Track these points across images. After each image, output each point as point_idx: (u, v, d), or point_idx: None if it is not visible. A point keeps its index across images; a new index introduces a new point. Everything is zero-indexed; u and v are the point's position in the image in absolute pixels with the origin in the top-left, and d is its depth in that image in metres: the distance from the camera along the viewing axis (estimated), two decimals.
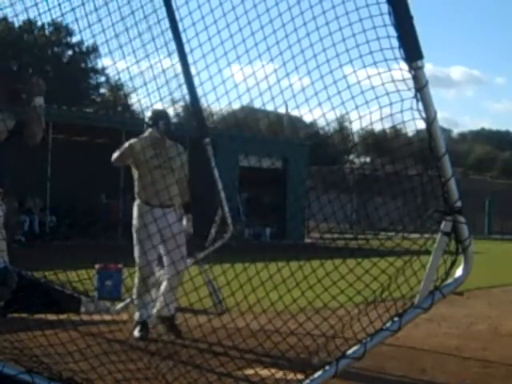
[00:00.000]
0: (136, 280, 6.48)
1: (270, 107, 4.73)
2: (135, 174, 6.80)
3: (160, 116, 6.71)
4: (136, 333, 6.40)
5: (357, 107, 4.44)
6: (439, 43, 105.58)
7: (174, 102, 5.92)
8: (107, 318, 6.85)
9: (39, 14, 5.68)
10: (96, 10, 5.52)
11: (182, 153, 6.89)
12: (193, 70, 6.74)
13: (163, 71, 5.48)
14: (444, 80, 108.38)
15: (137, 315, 6.52)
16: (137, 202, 6.71)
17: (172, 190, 6.34)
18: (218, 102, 4.91)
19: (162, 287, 6.62)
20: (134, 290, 6.56)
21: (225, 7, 4.69)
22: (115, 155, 6.78)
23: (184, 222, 6.82)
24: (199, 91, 7.04)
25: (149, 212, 6.42)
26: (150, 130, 6.83)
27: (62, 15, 5.63)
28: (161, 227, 6.14)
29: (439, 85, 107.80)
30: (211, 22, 4.78)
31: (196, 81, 6.88)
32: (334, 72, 4.42)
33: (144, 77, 5.36)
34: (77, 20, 5.57)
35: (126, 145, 6.80)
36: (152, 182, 6.35)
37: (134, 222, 6.63)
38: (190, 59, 6.68)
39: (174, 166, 6.62)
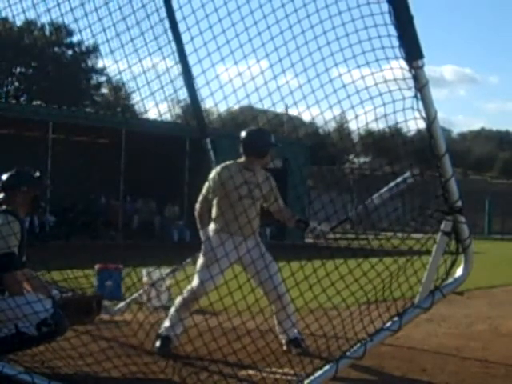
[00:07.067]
0: (185, 294, 6.03)
1: (270, 106, 4.74)
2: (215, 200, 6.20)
3: (268, 133, 6.18)
4: (157, 343, 6.02)
5: (349, 107, 4.48)
6: (431, 41, 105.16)
7: (172, 101, 5.86)
8: (107, 318, 6.85)
9: (33, 5, 5.64)
10: (96, 9, 5.53)
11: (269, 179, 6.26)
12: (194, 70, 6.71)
13: (167, 70, 5.50)
14: (437, 79, 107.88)
15: (163, 328, 6.07)
16: (214, 227, 6.17)
17: (254, 223, 6.07)
18: (218, 101, 4.93)
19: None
20: (177, 302, 6.09)
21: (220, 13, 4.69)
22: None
23: None
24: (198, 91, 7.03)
25: (229, 239, 5.93)
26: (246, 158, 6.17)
27: (59, 6, 5.61)
28: (252, 255, 5.81)
29: (432, 84, 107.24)
30: (212, 23, 4.79)
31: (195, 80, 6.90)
32: (322, 74, 4.51)
33: (146, 76, 5.37)
34: (72, 15, 5.57)
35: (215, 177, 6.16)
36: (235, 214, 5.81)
37: (208, 245, 6.03)
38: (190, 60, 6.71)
39: (258, 194, 6.09)
